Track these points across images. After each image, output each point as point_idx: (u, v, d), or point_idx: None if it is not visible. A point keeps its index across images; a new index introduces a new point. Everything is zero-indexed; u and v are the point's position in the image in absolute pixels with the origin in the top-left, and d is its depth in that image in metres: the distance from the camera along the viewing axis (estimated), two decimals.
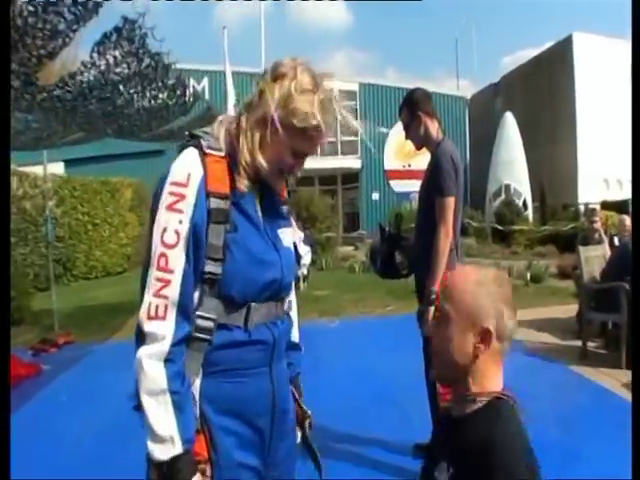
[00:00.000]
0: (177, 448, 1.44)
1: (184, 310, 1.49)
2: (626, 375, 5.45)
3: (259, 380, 1.65)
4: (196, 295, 1.53)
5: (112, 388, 5.39)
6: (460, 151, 3.74)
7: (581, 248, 7.08)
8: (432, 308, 3.16)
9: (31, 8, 3.54)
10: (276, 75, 1.57)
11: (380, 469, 3.72)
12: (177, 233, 1.47)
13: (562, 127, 24.10)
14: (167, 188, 1.50)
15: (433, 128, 3.68)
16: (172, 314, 1.47)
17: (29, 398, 5.53)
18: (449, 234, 3.45)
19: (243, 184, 1.58)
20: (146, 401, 1.45)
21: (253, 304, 1.59)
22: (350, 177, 27.76)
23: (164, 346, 1.45)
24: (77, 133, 7.63)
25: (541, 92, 25.43)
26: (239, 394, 1.60)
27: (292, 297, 1.88)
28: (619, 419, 4.36)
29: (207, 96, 21.97)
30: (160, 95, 6.00)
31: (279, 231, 1.71)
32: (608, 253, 7.33)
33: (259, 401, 1.65)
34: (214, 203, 1.52)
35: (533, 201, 21.65)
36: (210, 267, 1.52)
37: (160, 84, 5.67)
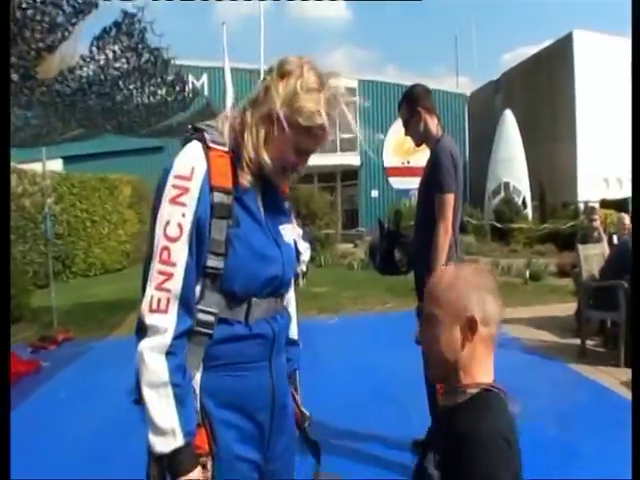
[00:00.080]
0: (178, 441, 1.44)
1: (186, 303, 1.48)
2: (625, 373, 5.46)
3: (259, 374, 1.65)
4: (197, 289, 1.53)
5: (111, 385, 5.43)
6: (459, 148, 3.74)
7: (580, 246, 7.09)
8: None
9: (30, 0, 3.53)
10: (282, 72, 1.56)
11: (379, 465, 3.73)
12: (180, 226, 1.47)
13: (562, 125, 24.08)
14: (170, 181, 1.49)
15: (433, 124, 3.68)
16: (174, 307, 1.47)
17: (28, 395, 5.53)
18: (448, 231, 3.45)
19: (246, 180, 1.57)
20: (147, 394, 1.45)
21: (254, 299, 1.60)
22: (349, 174, 27.76)
23: (166, 339, 1.45)
24: (76, 129, 7.63)
25: (541, 90, 25.40)
26: (239, 388, 1.60)
27: (291, 293, 1.88)
28: (618, 417, 4.37)
29: (206, 92, 21.95)
30: (159, 91, 6.00)
31: (280, 227, 1.72)
32: (607, 251, 7.34)
33: (259, 395, 1.65)
34: (217, 198, 1.51)
35: (532, 199, 21.64)
36: (212, 262, 1.52)
37: (159, 80, 5.66)
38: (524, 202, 21.33)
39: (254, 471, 1.66)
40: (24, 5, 3.50)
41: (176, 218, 1.47)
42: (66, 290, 11.86)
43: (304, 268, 10.88)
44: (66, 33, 4.03)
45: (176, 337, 1.46)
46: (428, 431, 1.74)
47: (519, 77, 27.79)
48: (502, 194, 21.29)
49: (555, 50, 25.01)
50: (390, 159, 27.10)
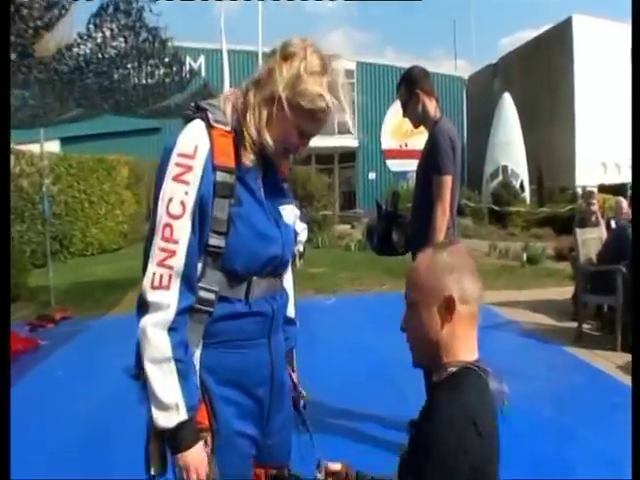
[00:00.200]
0: (182, 415, 1.46)
1: (188, 281, 1.50)
2: (621, 357, 5.50)
3: (258, 351, 1.67)
4: (199, 267, 1.54)
5: (108, 363, 5.46)
6: (458, 131, 3.73)
7: (578, 230, 7.09)
8: None
9: None
10: (285, 54, 1.56)
11: (375, 445, 3.75)
12: (183, 204, 1.48)
13: (560, 110, 23.99)
14: (173, 159, 1.49)
15: (431, 106, 3.65)
16: (176, 284, 1.48)
17: (26, 373, 5.56)
18: (446, 212, 3.44)
19: (248, 159, 1.58)
20: (150, 369, 1.46)
21: (255, 278, 1.61)
22: (347, 156, 27.69)
23: (168, 315, 1.46)
24: (74, 110, 7.60)
25: (540, 74, 25.27)
26: (239, 364, 1.61)
27: (288, 273, 1.89)
28: (613, 400, 4.41)
29: (203, 74, 21.80)
30: (157, 71, 5.97)
31: (280, 208, 1.73)
32: (605, 236, 7.34)
33: (258, 372, 1.67)
34: (220, 177, 1.52)
35: (530, 183, 21.58)
36: (214, 240, 1.53)
37: (157, 60, 5.63)
38: (522, 185, 21.27)
39: (252, 447, 1.68)
40: None
41: (179, 196, 1.48)
42: (64, 269, 11.86)
43: (301, 249, 10.87)
44: (63, 11, 4.00)
45: (178, 313, 1.47)
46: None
47: (518, 61, 27.62)
48: (500, 177, 21.23)
49: (554, 34, 24.85)
50: (388, 141, 27.03)
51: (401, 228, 3.83)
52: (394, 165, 26.74)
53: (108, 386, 4.94)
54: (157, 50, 5.38)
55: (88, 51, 4.84)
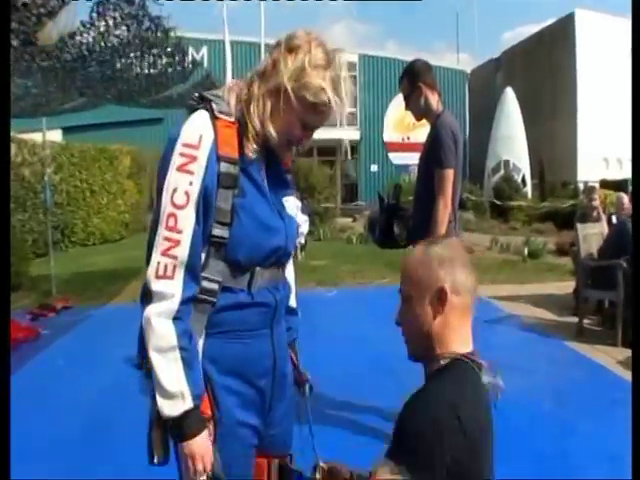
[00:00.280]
0: (187, 403, 1.47)
1: (192, 270, 1.50)
2: (621, 353, 5.51)
3: (261, 341, 1.67)
4: (202, 257, 1.54)
5: (109, 352, 5.48)
6: (460, 125, 3.73)
7: (579, 225, 7.07)
8: None
9: None
10: (290, 47, 1.56)
11: (375, 436, 3.75)
12: (187, 194, 1.48)
13: (562, 104, 23.97)
14: (178, 149, 1.49)
15: (433, 99, 3.65)
16: (180, 274, 1.48)
17: (27, 362, 5.57)
18: (448, 205, 3.45)
19: (252, 151, 1.58)
20: (155, 358, 1.47)
21: (257, 268, 1.61)
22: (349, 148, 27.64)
23: (173, 304, 1.47)
24: (76, 99, 7.59)
25: (542, 69, 25.24)
26: (241, 354, 1.62)
27: (290, 265, 1.90)
28: (613, 396, 4.42)
29: (206, 65, 21.76)
30: (159, 61, 5.96)
31: (283, 199, 1.73)
32: (606, 231, 7.33)
33: (261, 362, 1.68)
34: (224, 167, 1.52)
35: (532, 177, 21.57)
36: (217, 230, 1.53)
37: (159, 50, 5.62)
38: (524, 180, 21.26)
39: (254, 436, 1.69)
40: None
41: (183, 186, 1.48)
42: (65, 259, 11.89)
43: (302, 241, 10.88)
44: None
45: (182, 303, 1.48)
46: None
47: (520, 55, 27.60)
48: (502, 171, 21.21)
49: (557, 29, 24.82)
50: (390, 134, 27.00)
51: (403, 221, 3.84)
52: (396, 158, 26.73)
53: (109, 375, 4.96)
54: (160, 40, 5.37)
55: (91, 40, 4.84)
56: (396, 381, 4.75)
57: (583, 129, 22.95)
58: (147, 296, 1.48)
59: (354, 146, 27.36)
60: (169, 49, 5.76)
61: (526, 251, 11.93)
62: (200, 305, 1.54)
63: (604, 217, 8.36)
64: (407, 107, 3.79)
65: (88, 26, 4.56)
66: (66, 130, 19.03)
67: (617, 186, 15.85)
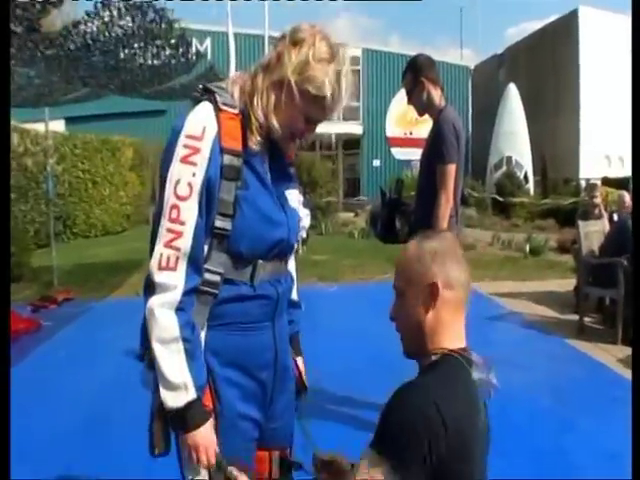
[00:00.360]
0: (190, 394, 1.47)
1: (195, 262, 1.50)
2: (621, 351, 5.51)
3: (262, 334, 1.67)
4: (205, 249, 1.54)
5: (110, 344, 5.49)
6: (462, 121, 3.72)
7: (581, 223, 7.06)
8: None
9: None
10: (295, 40, 1.56)
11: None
12: (190, 186, 1.48)
13: (565, 101, 23.91)
14: (181, 140, 1.49)
15: (436, 95, 3.65)
16: (183, 265, 1.48)
17: (28, 353, 5.58)
18: (450, 200, 3.46)
19: (255, 143, 1.58)
20: (158, 349, 1.47)
21: (260, 261, 1.61)
22: (351, 143, 27.63)
23: (176, 295, 1.47)
24: (80, 89, 7.57)
25: (545, 65, 25.17)
26: (243, 347, 1.62)
27: (291, 259, 1.89)
28: (613, 394, 4.42)
29: (209, 57, 21.71)
30: (163, 52, 5.96)
31: (286, 192, 1.73)
32: (607, 229, 7.33)
33: (262, 354, 1.68)
34: (227, 159, 1.52)
35: (534, 174, 21.53)
36: (220, 222, 1.53)
37: (163, 41, 5.62)
38: (526, 177, 21.22)
39: (255, 429, 1.69)
40: None
41: (186, 177, 1.48)
42: (66, 250, 11.89)
43: (304, 235, 10.88)
44: None
45: (185, 294, 1.48)
46: None
47: (523, 52, 27.53)
48: (504, 168, 21.17)
49: (560, 26, 24.74)
50: (393, 129, 26.95)
51: (404, 216, 3.84)
52: (399, 153, 26.66)
53: (110, 367, 4.97)
54: (164, 31, 5.37)
55: (95, 29, 4.83)
56: (397, 376, 4.74)
57: (586, 126, 22.88)
58: (150, 287, 1.48)
59: (357, 140, 27.33)
60: (173, 40, 5.76)
61: (528, 248, 11.93)
62: (202, 297, 1.54)
63: (605, 215, 8.36)
64: (410, 102, 3.79)
65: (93, 15, 4.56)
66: (69, 120, 18.98)
67: (619, 184, 15.82)
